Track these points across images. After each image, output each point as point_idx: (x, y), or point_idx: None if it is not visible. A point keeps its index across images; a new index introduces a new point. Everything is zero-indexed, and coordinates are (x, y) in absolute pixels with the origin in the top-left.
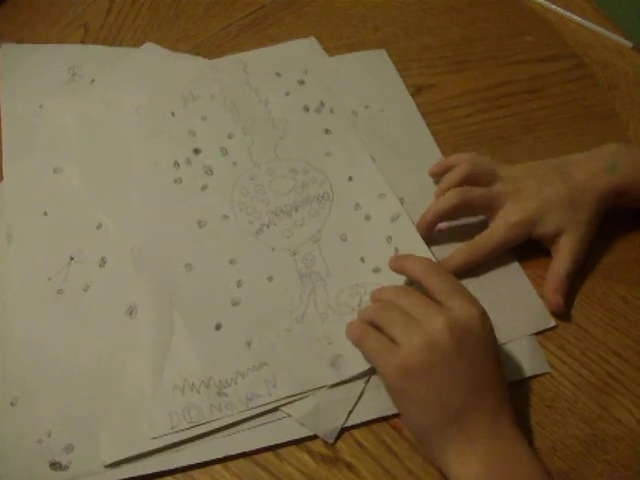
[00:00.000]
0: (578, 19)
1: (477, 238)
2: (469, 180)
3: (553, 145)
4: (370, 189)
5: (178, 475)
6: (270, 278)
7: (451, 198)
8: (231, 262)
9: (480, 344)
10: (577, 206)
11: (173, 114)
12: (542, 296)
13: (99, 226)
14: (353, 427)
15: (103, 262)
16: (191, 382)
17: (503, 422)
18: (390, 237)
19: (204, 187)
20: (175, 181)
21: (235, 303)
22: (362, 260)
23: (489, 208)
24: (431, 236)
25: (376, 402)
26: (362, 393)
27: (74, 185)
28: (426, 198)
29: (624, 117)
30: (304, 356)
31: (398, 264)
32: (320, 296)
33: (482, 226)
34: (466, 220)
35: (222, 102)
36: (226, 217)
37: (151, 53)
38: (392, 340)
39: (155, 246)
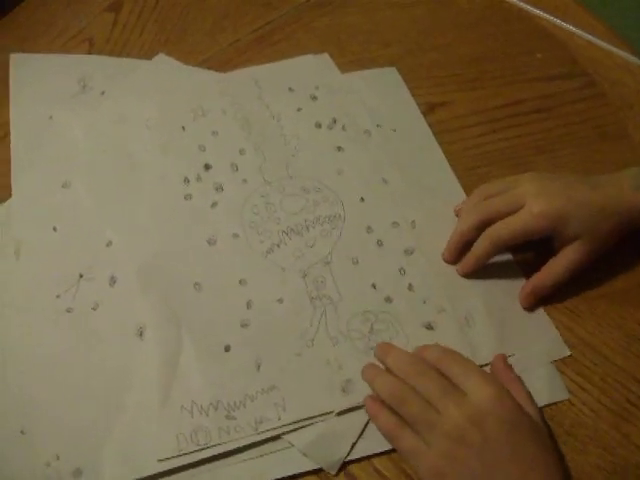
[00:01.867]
0: (588, 36)
1: (494, 226)
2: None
3: (566, 166)
4: (383, 214)
5: None
6: (280, 300)
7: (471, 215)
8: (241, 282)
9: (505, 424)
10: (605, 216)
11: (183, 128)
12: (556, 325)
13: (109, 243)
14: (373, 456)
15: (113, 281)
16: (199, 404)
17: None
18: (403, 270)
19: (214, 204)
20: (185, 197)
21: (244, 325)
22: (374, 286)
23: (513, 212)
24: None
25: None
26: (366, 424)
27: (82, 200)
28: (437, 222)
29: (636, 137)
30: (314, 380)
31: (418, 351)
32: (331, 320)
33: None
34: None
35: (233, 117)
36: (236, 235)
37: (163, 65)
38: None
39: (164, 264)
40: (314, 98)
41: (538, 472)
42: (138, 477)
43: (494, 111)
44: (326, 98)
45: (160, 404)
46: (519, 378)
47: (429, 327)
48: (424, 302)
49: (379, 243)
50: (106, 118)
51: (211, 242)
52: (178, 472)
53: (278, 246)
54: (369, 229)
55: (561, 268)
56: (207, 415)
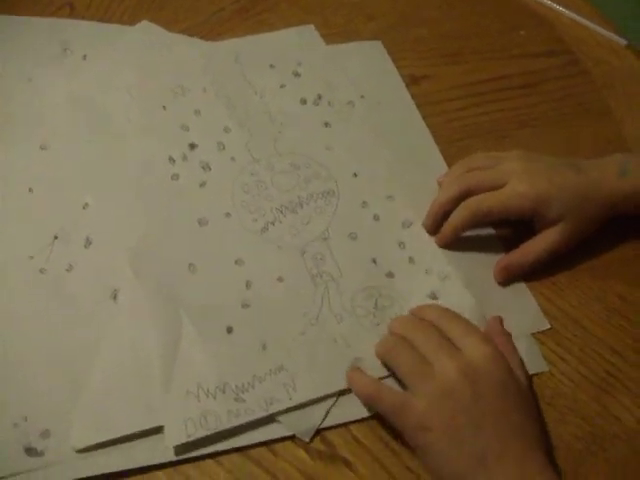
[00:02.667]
0: (573, 15)
1: (475, 197)
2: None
3: (548, 141)
4: (377, 188)
5: (168, 470)
6: (280, 279)
7: (452, 186)
8: (237, 262)
9: (496, 385)
10: (587, 202)
11: (164, 108)
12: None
13: (85, 206)
14: (350, 422)
15: (88, 243)
16: (206, 388)
17: (531, 468)
18: (403, 243)
19: (202, 184)
20: (172, 177)
21: (245, 305)
22: (374, 262)
23: (495, 188)
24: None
25: None
26: (341, 392)
27: (60, 162)
28: (417, 194)
29: (618, 115)
30: (323, 359)
31: (415, 311)
32: (334, 297)
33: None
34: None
35: (215, 95)
36: (228, 215)
37: (146, 32)
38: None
39: (155, 246)
40: (297, 75)
41: (519, 442)
42: (107, 439)
43: (477, 85)
44: (309, 74)
45: (163, 388)
46: (513, 344)
47: (433, 297)
48: (426, 272)
49: (375, 217)
50: (87, 83)
51: (202, 222)
52: (148, 435)
53: (273, 224)
54: (364, 204)
55: (539, 249)
56: (215, 398)
